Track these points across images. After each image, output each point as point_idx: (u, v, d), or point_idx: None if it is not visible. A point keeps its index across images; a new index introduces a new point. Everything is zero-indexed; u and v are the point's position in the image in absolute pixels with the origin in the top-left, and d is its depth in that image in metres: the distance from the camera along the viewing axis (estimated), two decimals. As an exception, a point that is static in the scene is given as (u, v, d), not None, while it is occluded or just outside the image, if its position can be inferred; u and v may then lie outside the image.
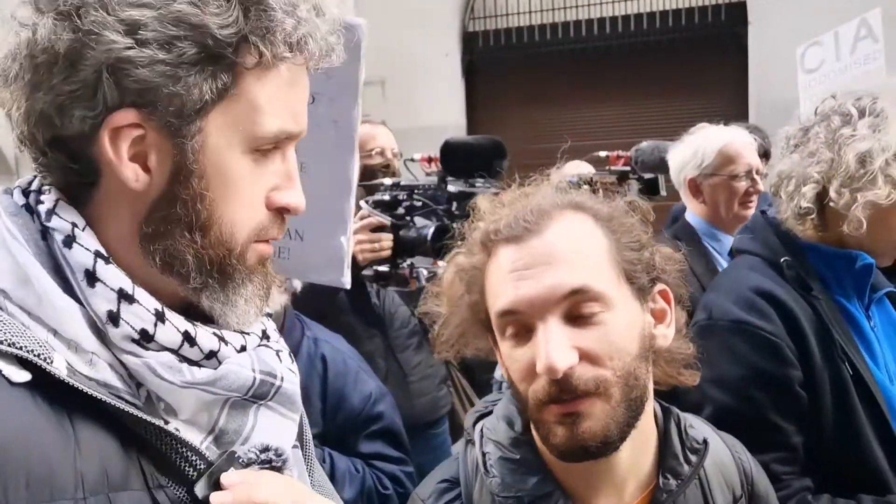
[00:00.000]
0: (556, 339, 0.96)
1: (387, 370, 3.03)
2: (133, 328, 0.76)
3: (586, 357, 0.97)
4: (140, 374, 0.77)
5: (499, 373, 2.85)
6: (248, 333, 0.87)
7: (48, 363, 0.71)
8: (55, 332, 0.75)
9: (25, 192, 0.82)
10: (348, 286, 2.19)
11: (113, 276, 0.77)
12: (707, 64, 12.41)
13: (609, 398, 0.97)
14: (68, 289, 0.76)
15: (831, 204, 1.45)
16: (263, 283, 0.86)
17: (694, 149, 2.57)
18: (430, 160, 3.29)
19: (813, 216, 1.49)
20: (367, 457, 2.26)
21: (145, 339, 0.76)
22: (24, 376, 0.71)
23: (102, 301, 0.76)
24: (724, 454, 1.15)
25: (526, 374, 1.00)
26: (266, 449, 0.83)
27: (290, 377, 0.88)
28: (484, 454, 1.08)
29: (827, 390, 1.44)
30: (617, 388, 0.98)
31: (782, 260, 1.53)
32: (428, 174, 3.19)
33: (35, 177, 0.83)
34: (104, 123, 0.75)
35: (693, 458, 1.07)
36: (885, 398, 1.45)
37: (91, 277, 0.76)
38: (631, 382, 0.99)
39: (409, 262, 2.84)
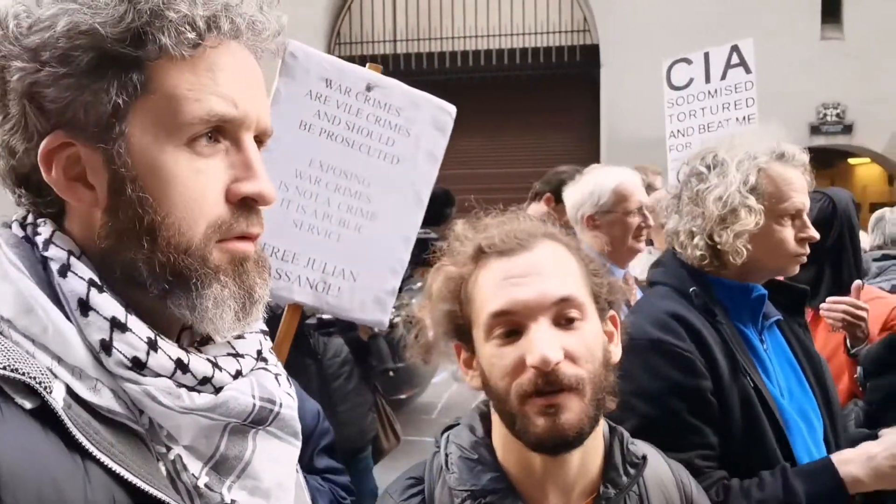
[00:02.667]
0: (548, 336, 1.08)
1: (320, 400, 3.02)
2: (125, 357, 0.75)
3: (569, 356, 1.09)
4: (140, 401, 0.76)
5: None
6: (242, 356, 0.85)
7: (48, 392, 0.70)
8: (59, 360, 0.74)
9: (23, 225, 0.82)
10: (386, 327, 2.38)
11: (106, 304, 0.76)
12: (563, 101, 13.00)
13: (583, 395, 1.09)
14: (67, 318, 0.75)
15: (719, 247, 1.70)
16: (237, 285, 0.80)
17: (590, 188, 2.77)
18: None
19: (708, 259, 1.74)
20: (322, 471, 2.27)
21: (138, 366, 0.75)
22: (31, 403, 0.70)
23: (95, 330, 0.75)
24: (666, 476, 1.27)
25: (512, 369, 1.10)
26: None
27: (288, 402, 0.86)
28: (447, 455, 1.20)
29: (736, 402, 1.61)
30: (589, 387, 1.10)
31: (690, 290, 1.72)
32: None
33: (28, 211, 0.83)
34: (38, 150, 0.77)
35: (632, 471, 1.18)
36: (779, 409, 1.67)
37: (84, 306, 0.75)
38: (597, 385, 1.11)
39: None
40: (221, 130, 0.79)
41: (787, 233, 1.71)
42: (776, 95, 10.20)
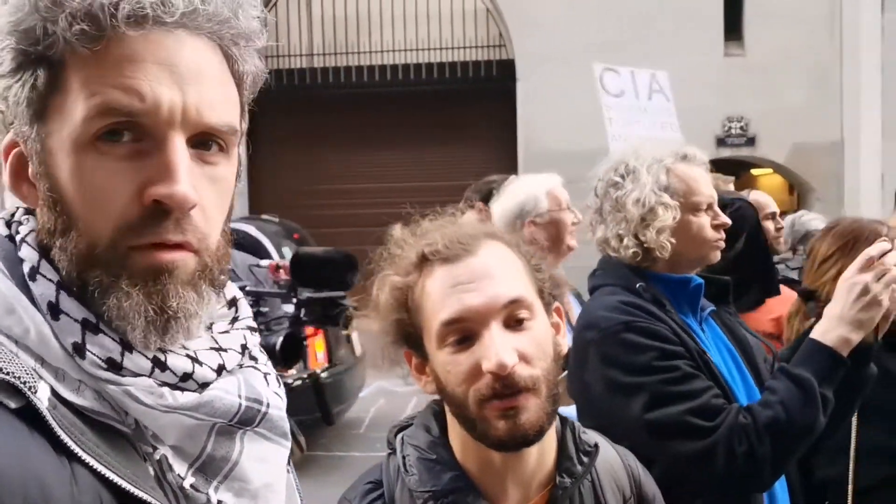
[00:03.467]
0: (502, 341, 1.10)
1: None
2: (99, 358, 0.74)
3: (522, 358, 1.11)
4: (122, 402, 0.75)
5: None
6: (224, 350, 0.83)
7: (32, 393, 0.69)
8: (42, 361, 0.73)
9: (9, 223, 0.81)
10: None
11: (76, 307, 0.75)
12: (480, 115, 13.14)
13: (539, 394, 1.11)
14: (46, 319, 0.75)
15: (645, 245, 1.83)
16: (145, 296, 0.74)
17: (525, 196, 2.89)
18: (277, 268, 3.19)
19: (640, 257, 1.87)
20: None
21: (114, 367, 0.74)
22: (15, 403, 0.69)
23: (67, 333, 0.73)
24: (615, 462, 1.32)
25: (468, 375, 1.11)
26: None
27: (276, 402, 0.85)
28: (404, 458, 1.21)
29: (705, 372, 1.76)
30: (544, 385, 1.12)
31: (637, 285, 1.84)
32: (276, 283, 3.12)
33: (18, 207, 0.83)
34: None
35: (585, 459, 1.22)
36: (731, 390, 1.82)
37: (54, 310, 0.74)
38: (551, 381, 1.14)
39: None
40: (140, 127, 0.74)
41: (704, 221, 1.87)
42: (685, 110, 10.51)
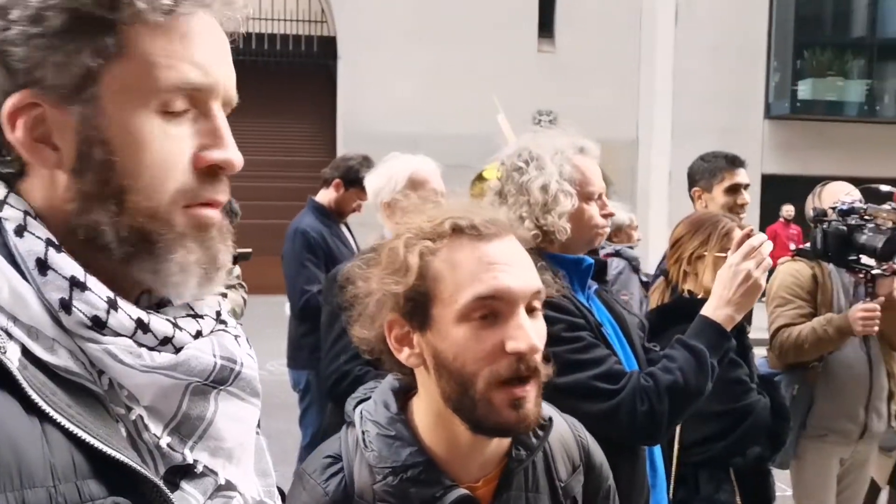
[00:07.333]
0: (530, 325, 1.13)
1: None
2: (85, 315, 0.75)
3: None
4: (101, 361, 0.76)
5: None
6: (201, 317, 0.85)
7: (1, 353, 0.70)
8: (15, 320, 0.73)
9: None
10: None
11: (65, 263, 0.76)
12: (301, 91, 12.95)
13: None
14: (23, 278, 0.75)
15: (545, 227, 1.97)
16: (202, 251, 0.81)
17: (388, 175, 2.86)
18: None
19: (540, 239, 1.98)
20: None
21: (98, 325, 0.75)
22: None
23: (54, 289, 0.75)
24: (566, 432, 1.38)
25: (489, 353, 1.11)
26: None
27: (248, 362, 0.87)
28: (363, 433, 1.21)
29: (601, 342, 1.91)
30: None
31: (539, 264, 1.90)
32: None
33: None
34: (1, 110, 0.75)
35: (540, 432, 1.24)
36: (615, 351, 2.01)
37: (42, 266, 0.75)
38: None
39: None
40: (190, 98, 0.79)
41: (594, 210, 2.05)
42: (499, 101, 11.00)
